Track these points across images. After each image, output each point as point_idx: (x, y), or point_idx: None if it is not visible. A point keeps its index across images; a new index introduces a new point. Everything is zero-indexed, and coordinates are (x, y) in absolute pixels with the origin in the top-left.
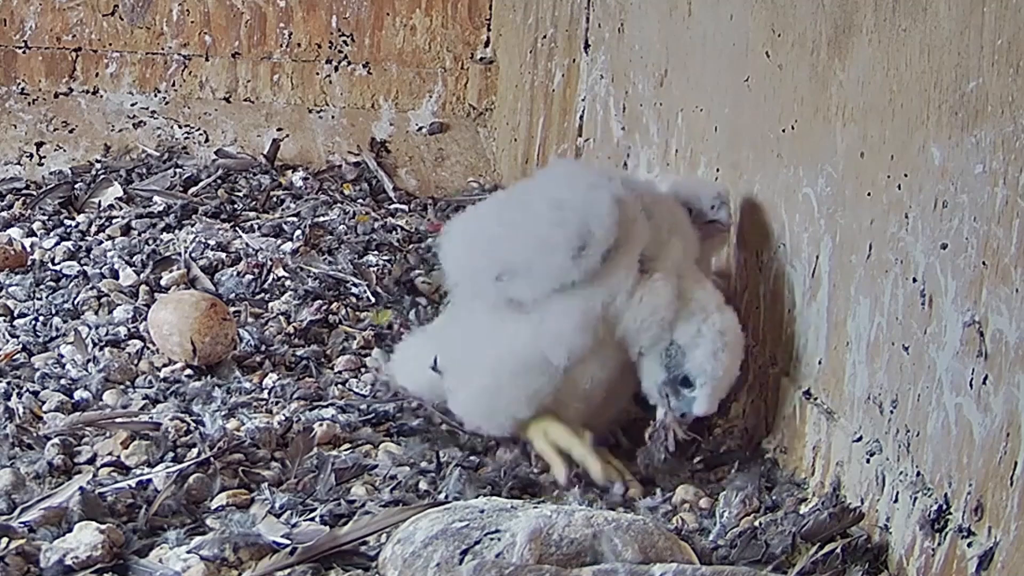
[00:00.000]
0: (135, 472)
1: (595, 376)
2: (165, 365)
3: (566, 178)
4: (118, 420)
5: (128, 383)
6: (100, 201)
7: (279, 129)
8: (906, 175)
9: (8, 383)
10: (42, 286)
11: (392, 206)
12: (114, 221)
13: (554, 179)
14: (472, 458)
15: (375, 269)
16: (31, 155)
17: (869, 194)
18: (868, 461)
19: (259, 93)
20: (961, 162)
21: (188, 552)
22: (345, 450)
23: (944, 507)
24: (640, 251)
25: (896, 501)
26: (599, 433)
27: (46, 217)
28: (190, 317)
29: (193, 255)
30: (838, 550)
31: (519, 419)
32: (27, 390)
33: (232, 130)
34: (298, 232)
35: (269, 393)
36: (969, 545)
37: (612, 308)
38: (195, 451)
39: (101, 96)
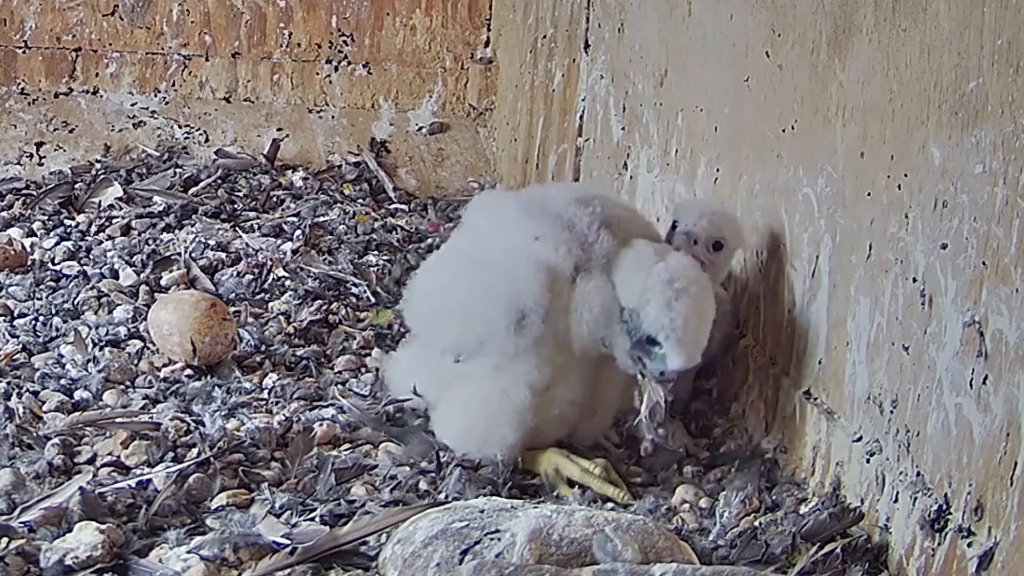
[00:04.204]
0: (135, 472)
1: (564, 398)
2: (165, 365)
3: (491, 235)
4: (118, 420)
5: (128, 383)
6: (100, 201)
7: (279, 129)
8: (906, 175)
9: (8, 383)
10: (42, 286)
11: (392, 206)
12: (114, 221)
13: (483, 238)
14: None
15: (375, 269)
16: (31, 155)
17: (869, 194)
18: (868, 461)
19: (259, 93)
20: (961, 162)
21: (188, 552)
22: (345, 450)
23: (944, 507)
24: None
25: (896, 501)
26: (588, 442)
27: (46, 217)
28: (190, 317)
29: (193, 255)
30: (838, 550)
31: (511, 445)
32: (27, 390)
33: (232, 130)
34: (298, 232)
35: (269, 393)
36: (969, 545)
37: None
38: (195, 451)
39: (101, 96)
